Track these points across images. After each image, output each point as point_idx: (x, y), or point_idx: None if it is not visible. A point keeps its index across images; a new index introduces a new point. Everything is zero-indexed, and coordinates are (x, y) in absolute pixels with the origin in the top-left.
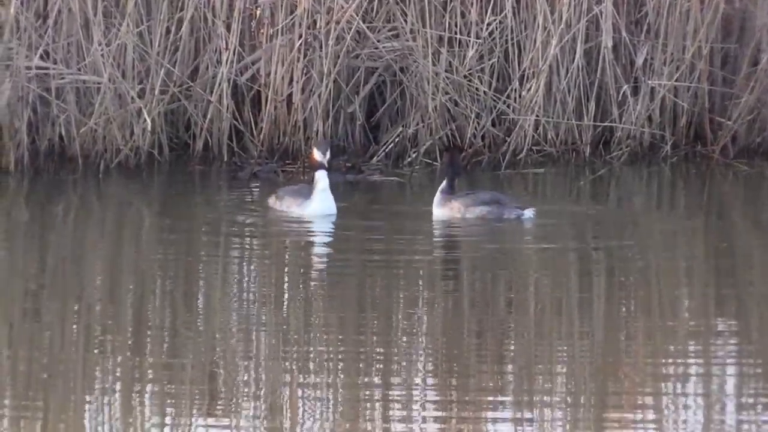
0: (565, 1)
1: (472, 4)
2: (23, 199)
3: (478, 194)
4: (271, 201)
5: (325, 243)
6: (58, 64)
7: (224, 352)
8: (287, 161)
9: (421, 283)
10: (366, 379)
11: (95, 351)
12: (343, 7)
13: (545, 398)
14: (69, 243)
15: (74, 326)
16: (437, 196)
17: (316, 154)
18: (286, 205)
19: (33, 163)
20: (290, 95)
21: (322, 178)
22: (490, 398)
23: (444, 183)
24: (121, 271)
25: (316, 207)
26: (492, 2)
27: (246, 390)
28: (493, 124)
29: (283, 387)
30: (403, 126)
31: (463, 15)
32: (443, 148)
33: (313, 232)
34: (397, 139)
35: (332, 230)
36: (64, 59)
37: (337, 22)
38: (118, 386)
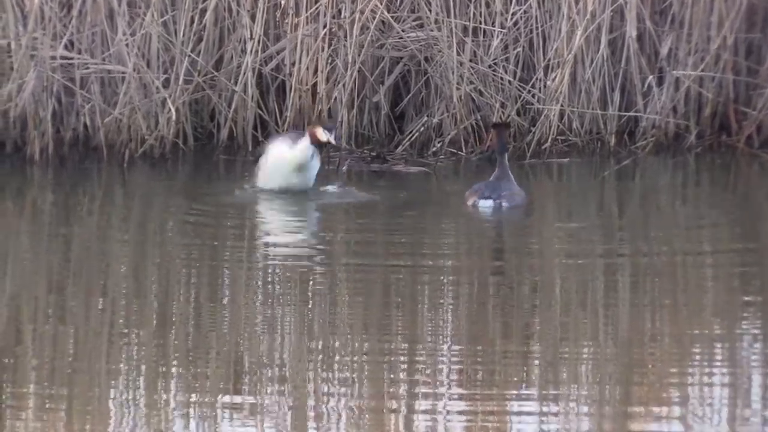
0: None
1: None
2: (48, 189)
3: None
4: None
5: (350, 232)
6: (83, 54)
7: (248, 346)
8: None
9: (446, 274)
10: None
11: (120, 341)
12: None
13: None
14: (93, 232)
15: (99, 315)
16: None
17: (322, 133)
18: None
19: (57, 153)
20: (315, 85)
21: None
22: (515, 392)
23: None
24: (145, 260)
25: (297, 153)
26: None
27: (271, 385)
28: (518, 114)
29: (308, 380)
30: (427, 116)
31: (487, 5)
32: (488, 124)
33: (339, 220)
34: (421, 129)
35: (357, 219)
36: (89, 49)
37: (362, 12)
38: (142, 371)
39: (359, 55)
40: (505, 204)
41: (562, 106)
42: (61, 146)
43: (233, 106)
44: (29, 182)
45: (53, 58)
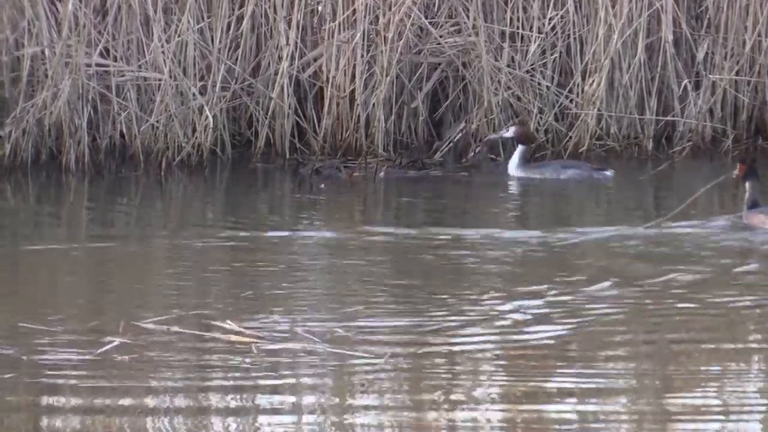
0: None
1: None
2: (84, 198)
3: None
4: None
5: (387, 239)
6: (119, 61)
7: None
8: (349, 157)
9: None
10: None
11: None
12: (404, 2)
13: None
14: (131, 241)
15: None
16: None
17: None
18: None
19: (94, 162)
20: (353, 91)
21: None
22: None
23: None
24: (184, 269)
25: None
26: None
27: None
28: (556, 119)
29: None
30: (465, 121)
31: (525, 10)
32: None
33: (376, 229)
34: (459, 135)
35: (395, 224)
36: (125, 56)
37: (400, 19)
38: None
39: (397, 62)
40: None
41: (599, 110)
42: (97, 154)
43: (270, 113)
44: (65, 192)
45: (88, 65)
